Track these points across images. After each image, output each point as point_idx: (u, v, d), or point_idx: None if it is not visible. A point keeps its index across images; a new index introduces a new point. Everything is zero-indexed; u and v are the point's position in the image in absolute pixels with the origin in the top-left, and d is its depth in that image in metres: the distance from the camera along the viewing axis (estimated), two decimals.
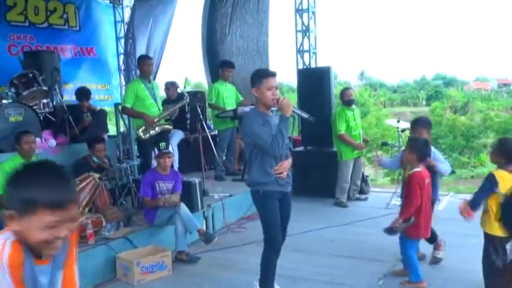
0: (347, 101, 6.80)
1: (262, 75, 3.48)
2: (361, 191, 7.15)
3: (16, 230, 1.36)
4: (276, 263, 3.62)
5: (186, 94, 6.49)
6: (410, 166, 3.93)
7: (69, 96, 8.30)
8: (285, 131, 3.43)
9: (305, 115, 3.79)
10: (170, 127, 6.24)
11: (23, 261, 1.38)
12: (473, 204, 3.54)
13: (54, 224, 1.33)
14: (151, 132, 5.86)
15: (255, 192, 3.58)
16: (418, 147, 3.92)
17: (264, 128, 3.42)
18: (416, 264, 3.97)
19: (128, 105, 5.93)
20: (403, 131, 6.86)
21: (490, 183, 3.46)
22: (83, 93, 7.03)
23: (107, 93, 10.77)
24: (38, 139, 5.34)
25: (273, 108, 3.57)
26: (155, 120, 5.87)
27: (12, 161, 4.71)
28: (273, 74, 3.49)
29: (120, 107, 6.51)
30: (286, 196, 3.70)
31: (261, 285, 3.64)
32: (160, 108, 6.08)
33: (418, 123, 4.49)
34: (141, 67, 6.10)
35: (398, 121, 7.11)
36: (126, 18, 10.79)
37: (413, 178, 3.86)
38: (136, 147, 6.54)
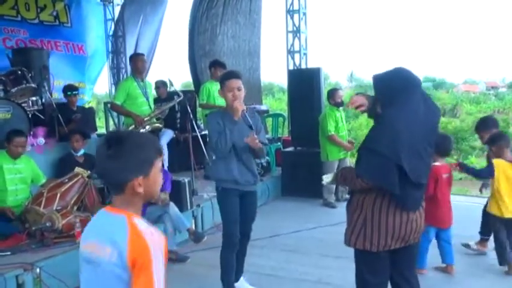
0: (339, 102, 6.78)
1: (225, 77, 3.63)
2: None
3: (141, 193, 1.56)
4: (233, 257, 3.70)
5: (180, 93, 6.45)
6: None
7: (58, 94, 8.26)
8: (229, 132, 3.45)
9: (251, 124, 3.73)
10: (161, 125, 6.21)
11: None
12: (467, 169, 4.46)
13: (160, 165, 1.63)
14: (141, 130, 5.84)
15: (216, 187, 3.72)
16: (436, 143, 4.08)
17: (218, 127, 3.51)
18: (423, 252, 4.16)
19: (118, 103, 5.90)
20: None
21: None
22: (70, 90, 6.98)
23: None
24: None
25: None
26: (145, 119, 5.84)
27: None
28: (235, 76, 3.59)
29: (109, 105, 6.49)
30: (250, 194, 3.75)
31: (222, 280, 3.72)
32: (152, 106, 6.05)
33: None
34: (135, 64, 6.06)
35: None
36: (117, 17, 10.76)
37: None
38: None
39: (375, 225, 2.62)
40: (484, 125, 4.67)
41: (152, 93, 6.28)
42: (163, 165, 5.16)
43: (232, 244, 3.65)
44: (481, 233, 4.70)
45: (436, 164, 4.11)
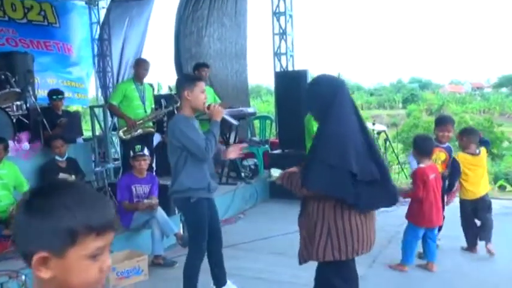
0: None
1: (194, 78, 3.61)
2: None
3: (46, 280, 1.02)
4: (200, 267, 3.65)
5: (176, 97, 6.45)
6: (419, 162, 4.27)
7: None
8: (217, 135, 3.49)
9: (233, 121, 3.93)
10: (153, 130, 6.22)
11: None
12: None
13: (99, 251, 1.06)
14: (133, 133, 5.84)
15: (184, 199, 3.54)
16: (415, 143, 4.32)
17: (196, 132, 3.46)
18: (409, 250, 4.26)
19: (114, 103, 5.94)
20: (379, 133, 6.91)
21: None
22: (56, 95, 6.90)
23: (84, 92, 10.76)
24: (11, 142, 5.23)
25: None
26: (138, 122, 5.85)
27: None
28: (203, 79, 3.61)
29: (94, 109, 6.43)
30: (213, 201, 3.78)
31: None
32: (148, 110, 6.06)
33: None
34: (137, 69, 6.11)
35: (373, 123, 7.18)
36: (102, 20, 10.69)
37: (415, 174, 4.21)
38: (113, 149, 6.46)
39: (341, 233, 2.60)
40: (443, 121, 4.85)
41: (151, 97, 6.26)
42: (151, 170, 5.10)
43: (202, 255, 3.63)
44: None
45: (422, 165, 4.18)
